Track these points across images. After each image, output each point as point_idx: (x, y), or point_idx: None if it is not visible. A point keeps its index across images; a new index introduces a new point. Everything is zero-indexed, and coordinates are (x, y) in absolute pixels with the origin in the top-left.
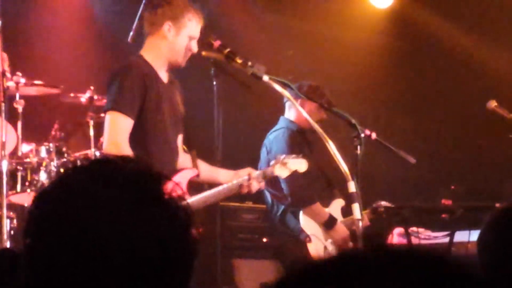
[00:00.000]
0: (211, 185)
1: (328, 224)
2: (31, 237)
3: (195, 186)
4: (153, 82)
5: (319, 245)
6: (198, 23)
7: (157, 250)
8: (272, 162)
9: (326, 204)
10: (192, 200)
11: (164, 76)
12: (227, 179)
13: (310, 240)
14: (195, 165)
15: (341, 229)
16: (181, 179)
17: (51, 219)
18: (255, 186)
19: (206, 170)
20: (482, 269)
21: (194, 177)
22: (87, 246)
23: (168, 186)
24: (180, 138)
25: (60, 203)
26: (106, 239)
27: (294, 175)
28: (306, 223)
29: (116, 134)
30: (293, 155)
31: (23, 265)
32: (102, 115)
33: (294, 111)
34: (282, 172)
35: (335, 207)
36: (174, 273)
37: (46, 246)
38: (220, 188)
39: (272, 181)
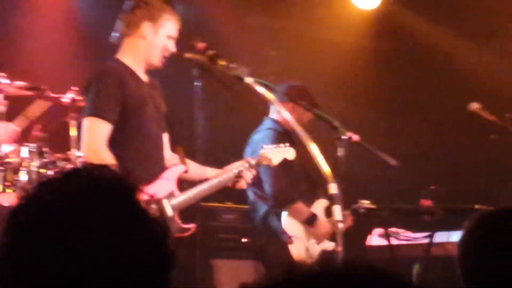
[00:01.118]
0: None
1: (309, 221)
2: (11, 240)
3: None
4: (133, 84)
5: (301, 246)
6: (175, 23)
7: (132, 261)
8: (260, 152)
9: (309, 204)
10: (183, 196)
11: (143, 77)
12: (214, 175)
13: (292, 242)
14: (183, 162)
15: (322, 225)
16: (170, 176)
17: (32, 223)
18: (249, 175)
19: (196, 168)
20: (462, 274)
21: (183, 174)
22: (64, 253)
23: (143, 197)
24: (165, 137)
25: (40, 208)
26: (81, 248)
27: (277, 176)
28: (289, 224)
29: (95, 140)
30: (281, 145)
31: (2, 267)
32: None
33: (278, 112)
34: (270, 162)
35: (318, 207)
36: (150, 283)
37: (26, 249)
38: (211, 182)
39: (257, 182)
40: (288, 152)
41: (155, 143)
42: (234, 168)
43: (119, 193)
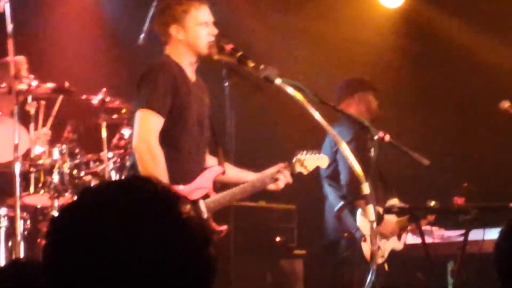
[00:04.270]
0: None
1: (376, 220)
2: (52, 243)
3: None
4: (183, 80)
5: None
6: (198, 9)
7: (175, 270)
8: (293, 160)
9: (382, 203)
10: (218, 197)
11: (190, 74)
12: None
13: (365, 240)
14: (221, 163)
15: (388, 225)
16: (207, 177)
17: (75, 231)
18: (283, 179)
19: (234, 171)
20: (499, 275)
21: (220, 175)
22: (106, 263)
23: (186, 205)
24: (206, 138)
25: (83, 216)
26: (119, 256)
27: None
28: (363, 222)
29: (147, 133)
30: (313, 152)
31: (45, 274)
32: (114, 116)
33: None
34: (302, 169)
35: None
36: None
37: (63, 252)
38: (245, 185)
39: (332, 174)
40: (322, 160)
41: (197, 144)
42: (269, 173)
43: (160, 202)
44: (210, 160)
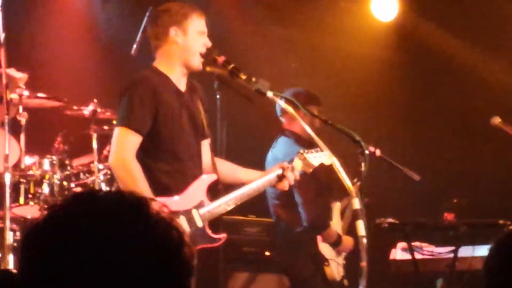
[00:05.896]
0: (231, 185)
1: (336, 243)
2: (28, 259)
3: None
4: (167, 93)
5: (334, 266)
6: (199, 17)
7: (149, 273)
8: (295, 158)
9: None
10: (213, 205)
11: (181, 84)
12: (249, 177)
13: (329, 264)
14: (214, 168)
15: (346, 243)
16: (200, 185)
17: (45, 244)
18: (291, 177)
19: (226, 168)
20: None
21: (214, 182)
22: (78, 273)
23: (155, 207)
24: (205, 143)
25: (52, 230)
26: (97, 267)
27: (312, 200)
28: (324, 247)
29: (122, 150)
30: (315, 149)
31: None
32: (105, 127)
33: (296, 124)
34: (305, 168)
35: (336, 212)
36: None
37: (39, 268)
38: (248, 188)
39: (290, 202)
40: (325, 157)
41: (188, 153)
42: (272, 172)
43: (127, 206)
44: (208, 164)
